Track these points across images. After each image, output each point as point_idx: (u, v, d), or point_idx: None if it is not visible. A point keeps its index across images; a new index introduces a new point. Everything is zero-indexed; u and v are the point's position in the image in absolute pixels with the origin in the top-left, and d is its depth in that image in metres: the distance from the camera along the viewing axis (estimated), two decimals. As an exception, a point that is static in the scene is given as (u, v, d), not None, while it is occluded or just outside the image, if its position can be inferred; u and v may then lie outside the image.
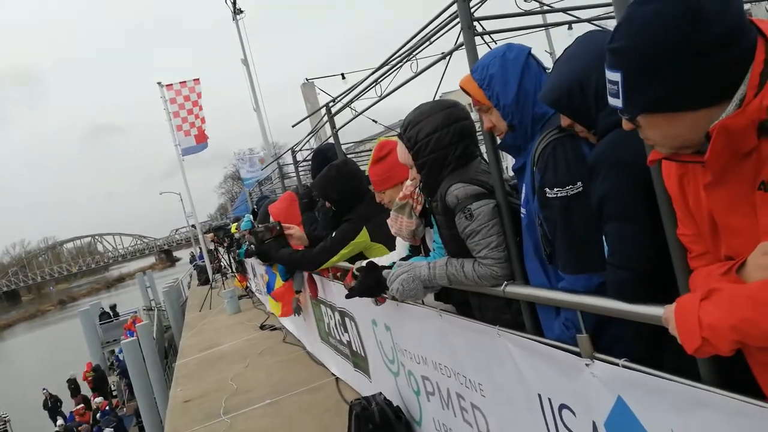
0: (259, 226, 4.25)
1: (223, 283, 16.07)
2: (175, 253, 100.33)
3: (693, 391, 1.41)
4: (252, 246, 5.29)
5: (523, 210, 2.01)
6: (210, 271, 18.31)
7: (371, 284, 2.62)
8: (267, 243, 4.49)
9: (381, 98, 3.93)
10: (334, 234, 3.92)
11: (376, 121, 7.63)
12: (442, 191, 2.27)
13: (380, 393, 4.00)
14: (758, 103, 1.08)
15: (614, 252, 1.57)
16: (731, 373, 1.35)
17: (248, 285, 13.70)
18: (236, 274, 15.41)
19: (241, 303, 12.32)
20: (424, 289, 2.45)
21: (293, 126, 5.25)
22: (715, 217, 1.24)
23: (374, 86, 4.05)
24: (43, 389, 20.26)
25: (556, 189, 1.76)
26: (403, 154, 2.42)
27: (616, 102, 1.21)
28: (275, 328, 8.93)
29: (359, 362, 4.86)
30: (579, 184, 1.71)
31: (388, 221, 2.83)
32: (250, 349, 8.15)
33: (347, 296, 2.93)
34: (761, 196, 1.12)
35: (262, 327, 9.39)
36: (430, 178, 2.34)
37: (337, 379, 5.73)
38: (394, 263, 2.82)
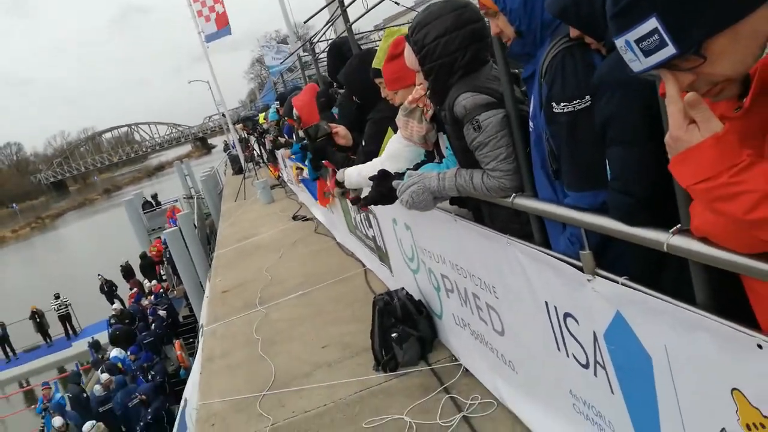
0: (311, 126, 4.09)
1: (255, 173, 16.32)
2: (210, 141, 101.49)
3: (687, 313, 1.42)
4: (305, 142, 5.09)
5: (531, 123, 1.93)
6: (243, 160, 18.56)
7: (384, 192, 2.62)
8: (320, 142, 4.27)
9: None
10: (364, 141, 3.83)
11: (398, 3, 7.22)
12: (450, 100, 2.19)
13: (403, 288, 4.16)
14: None
15: (617, 176, 1.52)
16: (726, 300, 1.34)
17: (280, 175, 13.90)
18: (268, 164, 15.61)
19: (273, 193, 12.59)
20: (434, 199, 2.44)
21: (304, 22, 4.99)
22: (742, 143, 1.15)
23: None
24: (98, 275, 21.69)
25: (563, 103, 1.67)
26: (410, 57, 2.30)
27: (661, 54, 1.03)
28: (307, 219, 9.16)
29: (383, 257, 5.01)
30: (587, 98, 1.62)
31: (398, 124, 2.77)
32: (284, 240, 8.45)
33: (361, 205, 2.94)
34: None
35: (294, 217, 9.64)
36: (438, 85, 2.24)
37: (365, 269, 5.94)
38: (408, 170, 2.80)
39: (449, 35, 2.15)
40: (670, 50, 1.02)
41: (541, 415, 2.68)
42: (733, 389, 1.35)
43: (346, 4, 4.17)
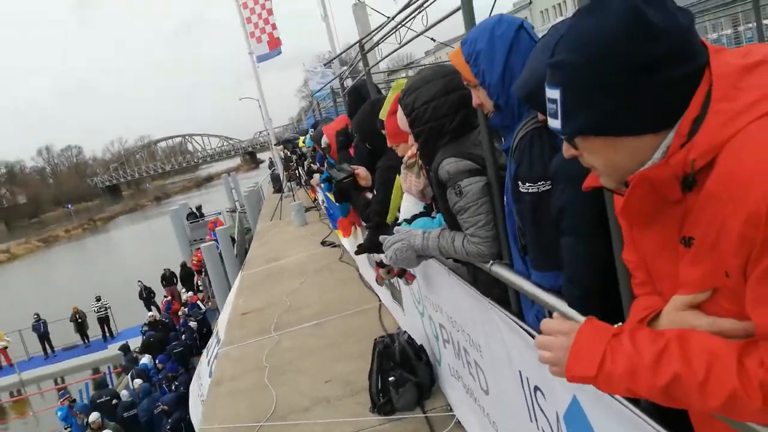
0: (337, 166, 4.22)
1: (293, 194, 16.61)
2: (259, 155, 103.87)
3: (629, 413, 1.40)
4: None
5: (505, 197, 1.94)
6: (283, 179, 18.93)
7: (376, 242, 2.67)
8: (344, 183, 4.40)
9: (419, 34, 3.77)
10: (375, 189, 3.89)
11: (434, 39, 7.34)
12: (435, 164, 2.22)
13: (405, 332, 4.16)
14: (683, 156, 0.97)
15: (567, 265, 1.52)
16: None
17: (316, 198, 14.11)
18: (307, 186, 15.86)
19: (307, 215, 12.78)
20: (418, 257, 2.47)
21: (324, 65, 5.13)
22: (644, 256, 1.17)
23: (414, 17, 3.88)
24: (138, 281, 22.35)
25: (528, 183, 1.69)
26: (401, 119, 2.36)
27: (555, 123, 1.11)
28: (335, 245, 9.26)
29: (396, 294, 5.02)
30: (550, 182, 1.63)
31: (400, 177, 2.82)
32: (310, 265, 8.55)
33: (356, 252, 3.00)
34: (682, 250, 1.04)
35: (323, 243, 9.76)
36: (426, 148, 2.28)
37: (381, 304, 5.97)
38: (404, 221, 2.84)
39: (438, 100, 2.20)
40: (557, 124, 1.08)
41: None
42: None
43: (366, 49, 4.28)
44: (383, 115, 3.02)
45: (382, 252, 2.83)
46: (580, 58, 1.02)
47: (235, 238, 20.17)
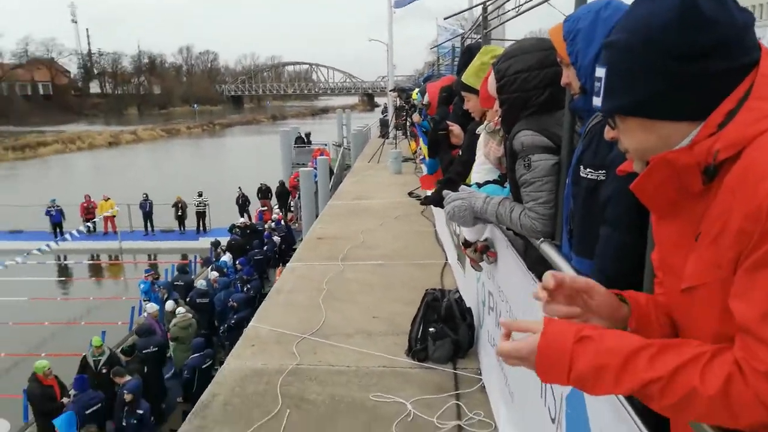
0: (435, 118, 4.37)
1: (396, 142, 16.82)
2: (377, 99, 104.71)
3: (617, 404, 1.46)
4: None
5: (568, 179, 1.98)
6: (391, 126, 19.16)
7: (439, 198, 2.78)
8: (438, 135, 4.54)
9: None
10: (461, 150, 3.96)
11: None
12: (513, 133, 2.28)
13: (457, 292, 4.28)
14: (707, 145, 0.98)
15: (598, 255, 1.57)
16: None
17: (417, 151, 14.23)
18: (411, 138, 15.99)
19: (404, 165, 12.97)
20: (475, 219, 2.55)
21: (445, 19, 5.10)
22: (661, 249, 1.21)
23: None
24: (238, 187, 23.75)
25: (588, 169, 1.72)
26: (491, 83, 2.40)
27: (597, 101, 1.14)
28: (420, 199, 9.40)
29: (460, 256, 5.12)
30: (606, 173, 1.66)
31: (480, 141, 2.88)
32: (391, 211, 8.79)
33: (421, 202, 3.11)
34: (694, 246, 1.08)
35: (410, 194, 9.93)
36: (509, 116, 2.33)
37: (446, 263, 6.10)
38: (475, 183, 2.92)
39: (530, 72, 2.23)
40: (598, 102, 1.13)
41: (518, 451, 2.74)
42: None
43: (489, 11, 4.25)
44: (466, 77, 3.07)
45: (441, 206, 2.95)
46: (628, 39, 1.06)
47: (334, 171, 20.81)
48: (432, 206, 7.95)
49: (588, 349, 1.07)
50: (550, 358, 1.08)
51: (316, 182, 16.64)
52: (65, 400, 7.83)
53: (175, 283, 13.23)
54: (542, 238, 2.19)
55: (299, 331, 4.47)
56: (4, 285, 15.12)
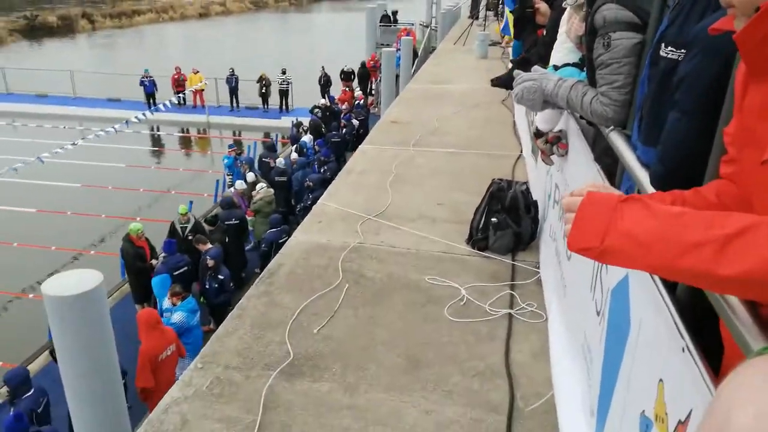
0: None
1: (485, 23, 15.83)
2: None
3: (656, 295, 1.39)
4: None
5: (647, 59, 1.76)
6: (482, 5, 17.99)
7: (509, 79, 2.60)
8: (524, 12, 4.27)
9: None
10: (545, 30, 3.67)
11: None
12: (596, 6, 2.03)
13: (525, 183, 4.15)
14: None
15: (662, 141, 1.41)
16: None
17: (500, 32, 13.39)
18: (501, 19, 14.99)
19: (490, 50, 12.29)
20: (544, 102, 2.38)
21: None
22: (747, 116, 1.06)
23: None
24: (321, 67, 23.58)
25: (669, 48, 1.52)
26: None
27: None
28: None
29: (534, 149, 4.91)
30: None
31: (563, 17, 2.63)
32: (471, 97, 8.47)
33: (492, 84, 2.92)
34: None
35: (493, 82, 9.46)
36: None
37: (520, 155, 5.90)
38: (552, 66, 2.70)
39: None
40: None
41: (563, 343, 2.74)
42: (660, 380, 1.35)
43: None
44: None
45: (511, 88, 2.76)
46: None
47: (418, 53, 20.11)
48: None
49: (634, 207, 1.03)
50: (596, 206, 1.06)
51: (398, 65, 16.19)
52: (154, 261, 8.55)
53: (263, 159, 13.70)
54: (612, 127, 2.02)
55: (364, 211, 4.54)
56: (102, 151, 16.24)
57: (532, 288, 3.56)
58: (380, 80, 21.03)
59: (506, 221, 3.89)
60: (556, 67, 2.65)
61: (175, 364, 5.86)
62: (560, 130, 3.22)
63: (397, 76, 16.10)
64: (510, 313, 3.29)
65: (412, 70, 16.57)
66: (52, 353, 6.05)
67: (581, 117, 2.48)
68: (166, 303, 6.67)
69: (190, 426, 2.42)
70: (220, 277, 7.97)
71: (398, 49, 17.62)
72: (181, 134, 21.76)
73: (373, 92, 23.28)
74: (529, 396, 2.69)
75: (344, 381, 2.72)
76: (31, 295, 9.85)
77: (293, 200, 12.50)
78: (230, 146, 14.69)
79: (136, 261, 8.51)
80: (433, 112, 7.64)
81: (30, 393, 5.37)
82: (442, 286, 3.55)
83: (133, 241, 8.58)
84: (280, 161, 13.31)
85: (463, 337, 3.09)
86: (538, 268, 3.73)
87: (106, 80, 24.54)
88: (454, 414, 2.55)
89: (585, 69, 2.71)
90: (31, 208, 13.66)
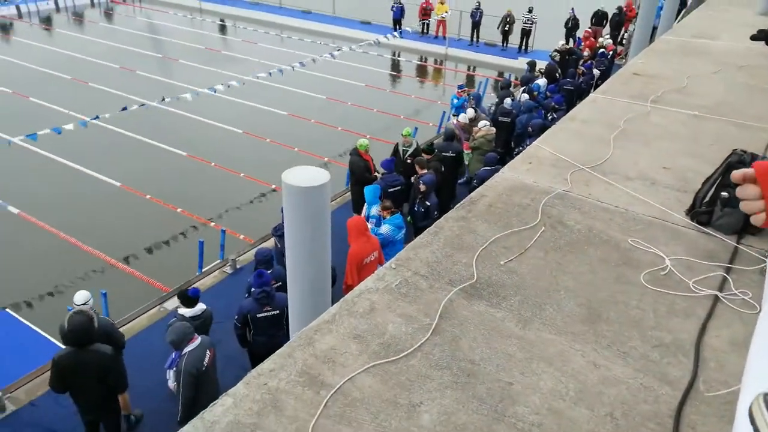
0: None
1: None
2: None
3: None
4: None
5: None
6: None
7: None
8: None
9: None
10: None
11: None
12: None
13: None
14: None
15: None
16: None
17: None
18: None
19: (779, 5, 10.39)
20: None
21: None
22: None
23: None
24: (571, 8, 22.23)
25: None
26: None
27: None
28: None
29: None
30: None
31: None
32: (735, 59, 7.39)
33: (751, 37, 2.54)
34: None
35: (755, 36, 8.08)
36: None
37: None
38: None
39: None
40: None
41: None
42: None
43: None
44: None
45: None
46: None
47: (687, 1, 17.78)
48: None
49: None
50: None
51: (660, 12, 14.57)
52: (377, 174, 9.32)
53: (500, 90, 13.70)
54: None
55: (578, 161, 4.41)
56: (347, 69, 17.66)
57: (752, 276, 3.19)
58: (634, 29, 19.17)
59: (738, 198, 3.48)
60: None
61: (374, 269, 6.49)
62: None
63: (655, 28, 14.53)
64: (717, 295, 3.02)
65: (677, 20, 14.76)
66: (276, 231, 7.22)
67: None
68: (374, 211, 7.32)
69: (375, 313, 2.77)
70: (428, 203, 8.41)
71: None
72: (419, 62, 22.58)
73: (624, 41, 21.36)
74: (714, 382, 2.51)
75: (519, 313, 2.82)
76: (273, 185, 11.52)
77: (513, 142, 12.39)
78: (460, 87, 14.82)
79: (364, 173, 9.36)
80: (685, 68, 6.86)
81: (271, 270, 6.49)
82: (645, 252, 3.37)
83: (360, 155, 9.42)
84: (507, 101, 13.18)
85: (655, 306, 2.95)
86: (766, 257, 3.32)
87: (363, 2, 26.24)
88: (623, 375, 2.51)
89: None
90: (284, 111, 15.61)
